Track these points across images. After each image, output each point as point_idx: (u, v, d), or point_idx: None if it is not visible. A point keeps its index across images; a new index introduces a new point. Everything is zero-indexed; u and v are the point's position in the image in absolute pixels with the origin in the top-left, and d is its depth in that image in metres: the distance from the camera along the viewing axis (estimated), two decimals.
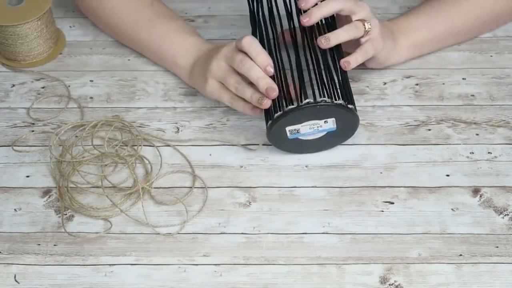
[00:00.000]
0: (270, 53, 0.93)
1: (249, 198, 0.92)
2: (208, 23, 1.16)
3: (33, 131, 1.01)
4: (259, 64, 0.90)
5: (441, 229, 0.88)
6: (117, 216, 0.91)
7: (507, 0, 1.08)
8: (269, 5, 1.00)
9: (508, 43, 1.11)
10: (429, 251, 0.86)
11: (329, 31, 0.94)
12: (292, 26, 0.98)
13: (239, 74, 0.93)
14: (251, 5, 1.00)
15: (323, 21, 0.97)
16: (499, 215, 0.90)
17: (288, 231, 0.89)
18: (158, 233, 0.89)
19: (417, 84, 1.05)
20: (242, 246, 0.88)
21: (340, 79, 0.92)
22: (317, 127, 0.92)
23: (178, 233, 0.89)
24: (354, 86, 1.05)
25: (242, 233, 0.89)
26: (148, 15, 1.07)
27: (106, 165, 0.96)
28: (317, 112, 0.89)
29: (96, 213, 0.91)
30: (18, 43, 1.08)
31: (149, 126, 1.01)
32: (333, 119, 0.91)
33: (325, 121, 0.91)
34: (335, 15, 0.96)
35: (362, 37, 0.95)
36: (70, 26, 1.17)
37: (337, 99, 0.90)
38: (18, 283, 0.85)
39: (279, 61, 0.94)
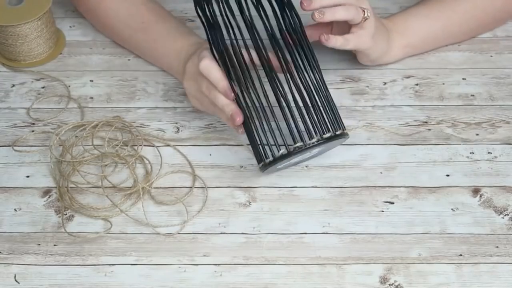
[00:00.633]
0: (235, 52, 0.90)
1: (249, 198, 0.92)
2: None
3: (33, 131, 1.01)
4: (219, 91, 0.90)
5: (441, 229, 0.88)
6: (117, 216, 0.91)
7: (504, 0, 1.08)
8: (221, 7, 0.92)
9: (508, 43, 1.11)
10: (429, 251, 0.86)
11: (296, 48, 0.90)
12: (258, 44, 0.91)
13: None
14: (201, 12, 0.93)
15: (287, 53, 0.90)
16: (499, 215, 0.90)
17: (288, 231, 0.89)
18: (158, 233, 0.89)
19: (417, 84, 1.05)
20: (242, 246, 0.88)
21: (323, 99, 0.90)
22: (308, 155, 0.92)
23: (178, 233, 0.89)
24: (354, 86, 1.05)
25: (242, 233, 0.89)
26: (142, 17, 1.06)
27: (106, 165, 0.96)
28: (307, 149, 0.89)
29: (96, 213, 0.91)
30: (18, 43, 1.08)
31: (149, 126, 1.01)
32: (323, 147, 0.91)
33: (315, 150, 0.91)
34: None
35: (357, 24, 0.93)
36: (70, 26, 1.17)
37: (325, 131, 0.89)
38: (18, 283, 0.85)
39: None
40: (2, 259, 0.87)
